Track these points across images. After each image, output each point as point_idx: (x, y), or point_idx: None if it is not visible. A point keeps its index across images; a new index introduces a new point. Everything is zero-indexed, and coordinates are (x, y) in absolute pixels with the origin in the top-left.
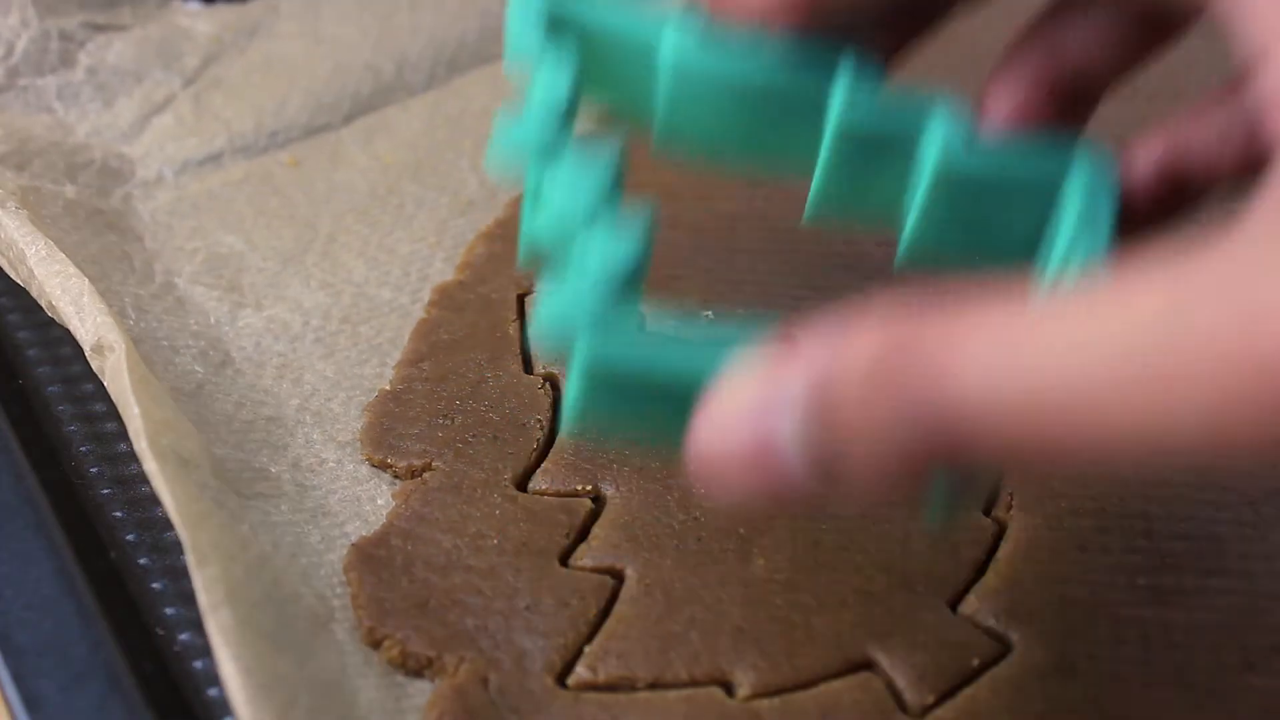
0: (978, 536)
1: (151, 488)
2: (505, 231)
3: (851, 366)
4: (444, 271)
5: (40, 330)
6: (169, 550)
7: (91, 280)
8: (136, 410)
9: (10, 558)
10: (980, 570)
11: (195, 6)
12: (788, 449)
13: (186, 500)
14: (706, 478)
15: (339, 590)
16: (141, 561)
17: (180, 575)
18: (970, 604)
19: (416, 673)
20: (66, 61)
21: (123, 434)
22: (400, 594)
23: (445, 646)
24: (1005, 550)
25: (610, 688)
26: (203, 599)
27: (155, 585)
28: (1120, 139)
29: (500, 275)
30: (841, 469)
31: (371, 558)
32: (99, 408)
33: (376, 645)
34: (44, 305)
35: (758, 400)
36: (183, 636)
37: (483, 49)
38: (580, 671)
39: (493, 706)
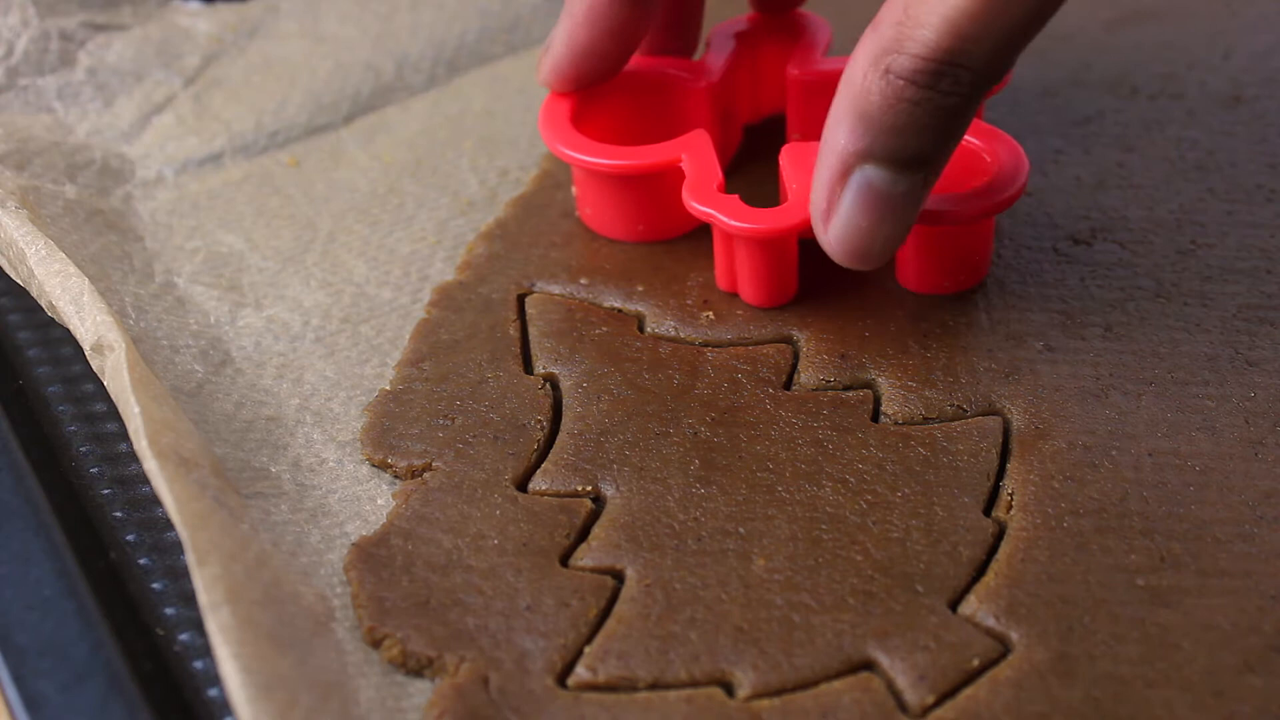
0: (978, 537)
1: (152, 488)
2: (505, 231)
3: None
4: (444, 271)
5: (41, 330)
6: (169, 550)
7: (91, 280)
8: (136, 409)
9: (10, 558)
10: (980, 570)
11: (195, 6)
12: None
13: (186, 499)
14: None
15: (339, 589)
16: (141, 562)
17: (180, 575)
18: (970, 604)
19: (417, 672)
20: (66, 61)
21: (123, 434)
22: (401, 593)
23: (446, 646)
24: (1005, 550)
25: (610, 688)
26: (203, 598)
27: (155, 585)
28: (1121, 143)
29: (500, 275)
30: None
31: (372, 557)
32: (99, 408)
33: (377, 644)
34: (44, 305)
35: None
36: (183, 637)
37: (482, 49)
38: (580, 672)
39: (493, 706)
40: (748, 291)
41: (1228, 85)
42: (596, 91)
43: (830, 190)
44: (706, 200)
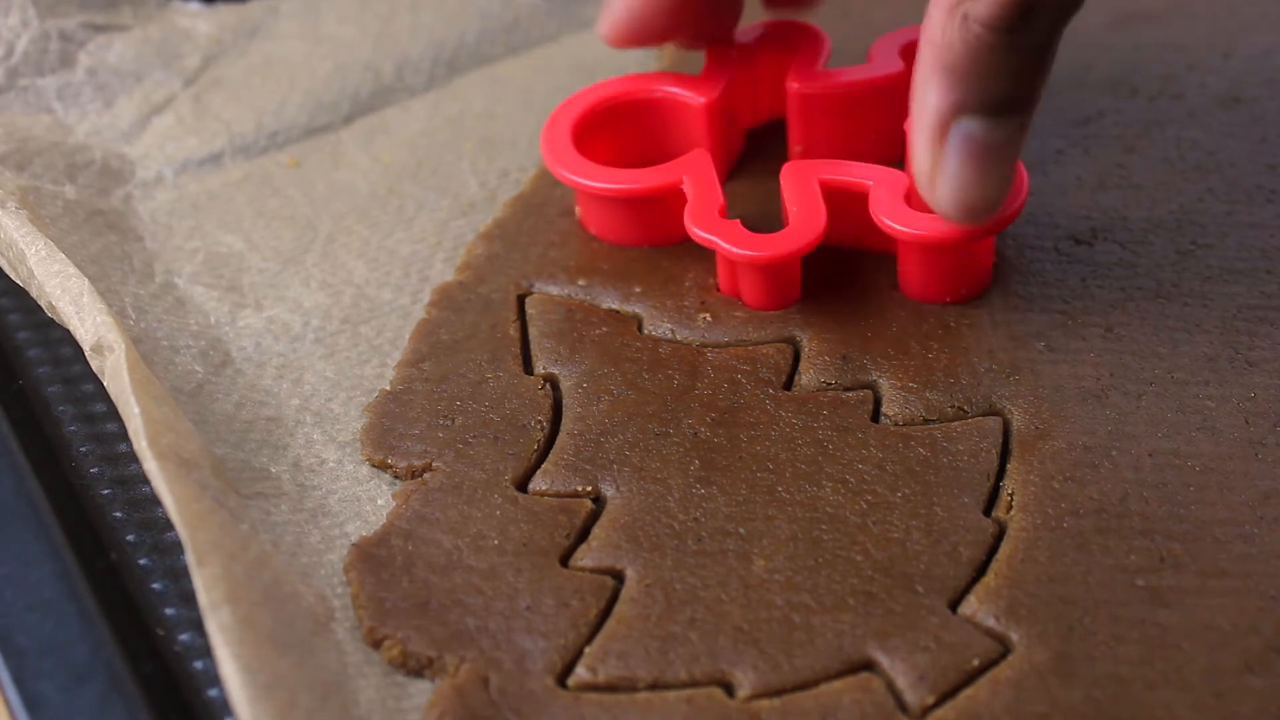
0: (978, 537)
1: (152, 489)
2: (505, 232)
3: None
4: (444, 272)
5: (41, 331)
6: (169, 551)
7: (91, 280)
8: (136, 410)
9: (11, 559)
10: (980, 571)
11: (195, 7)
12: None
13: (186, 499)
14: None
15: (339, 590)
16: (142, 562)
17: (180, 576)
18: (970, 604)
19: (417, 673)
20: (66, 62)
21: (123, 434)
22: (401, 594)
23: (446, 646)
24: (1005, 551)
25: (610, 688)
26: (203, 598)
27: (155, 586)
28: (1122, 143)
29: (500, 275)
30: None
31: (372, 557)
32: (99, 408)
33: (377, 645)
34: (44, 305)
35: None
36: (183, 637)
37: (482, 50)
38: (580, 672)
39: (493, 707)
40: (751, 300)
41: (1228, 86)
42: (597, 109)
43: (931, 151)
44: (709, 227)
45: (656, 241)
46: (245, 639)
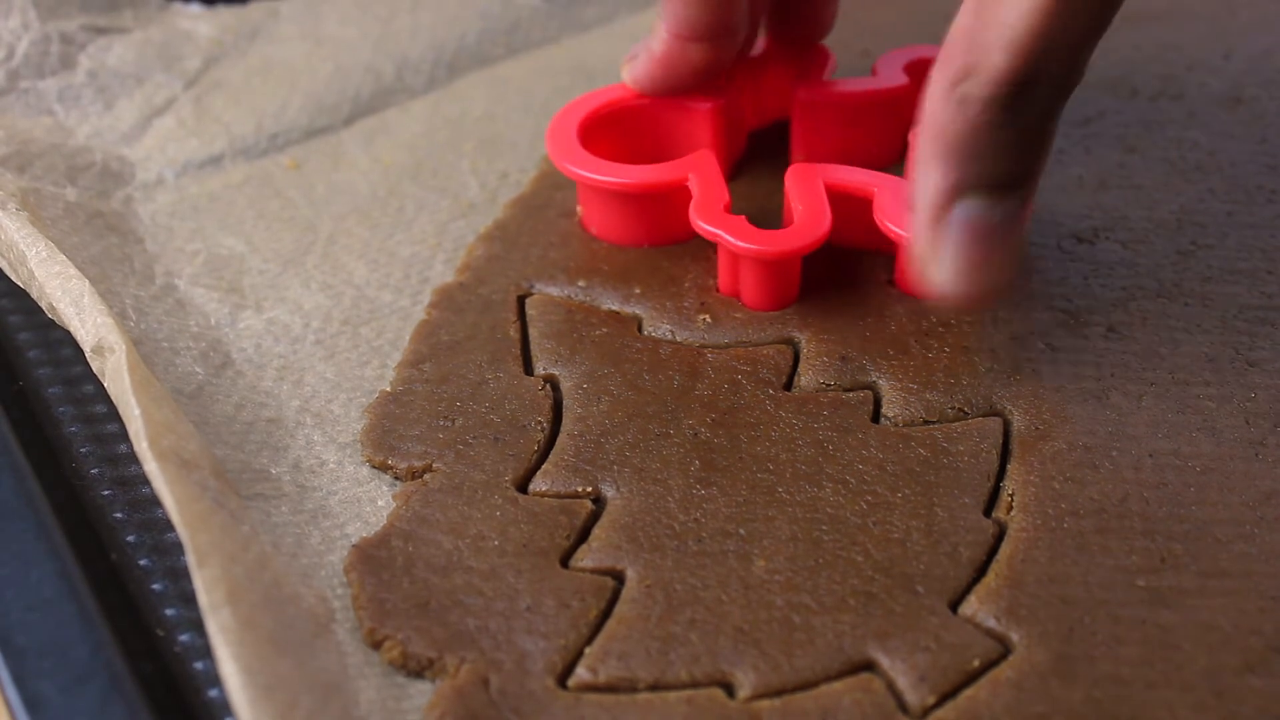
0: (978, 538)
1: (152, 489)
2: (505, 233)
3: None
4: (444, 273)
5: (41, 331)
6: (169, 551)
7: (92, 282)
8: (137, 411)
9: (11, 559)
10: (980, 571)
11: (196, 9)
12: None
13: (187, 501)
14: None
15: (340, 591)
16: (142, 563)
17: (181, 576)
18: (971, 605)
19: (417, 674)
20: (67, 64)
21: (123, 435)
22: (401, 595)
23: (446, 647)
24: (1005, 551)
25: (611, 689)
26: (203, 599)
27: (156, 586)
28: (1122, 143)
29: (500, 277)
30: None
31: (372, 559)
32: (100, 409)
33: (377, 646)
34: (44, 307)
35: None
36: (183, 638)
37: (483, 51)
38: (581, 673)
39: (493, 708)
40: (750, 300)
41: (1228, 86)
42: (604, 111)
43: (932, 232)
44: (714, 221)
45: (657, 241)
46: (246, 640)
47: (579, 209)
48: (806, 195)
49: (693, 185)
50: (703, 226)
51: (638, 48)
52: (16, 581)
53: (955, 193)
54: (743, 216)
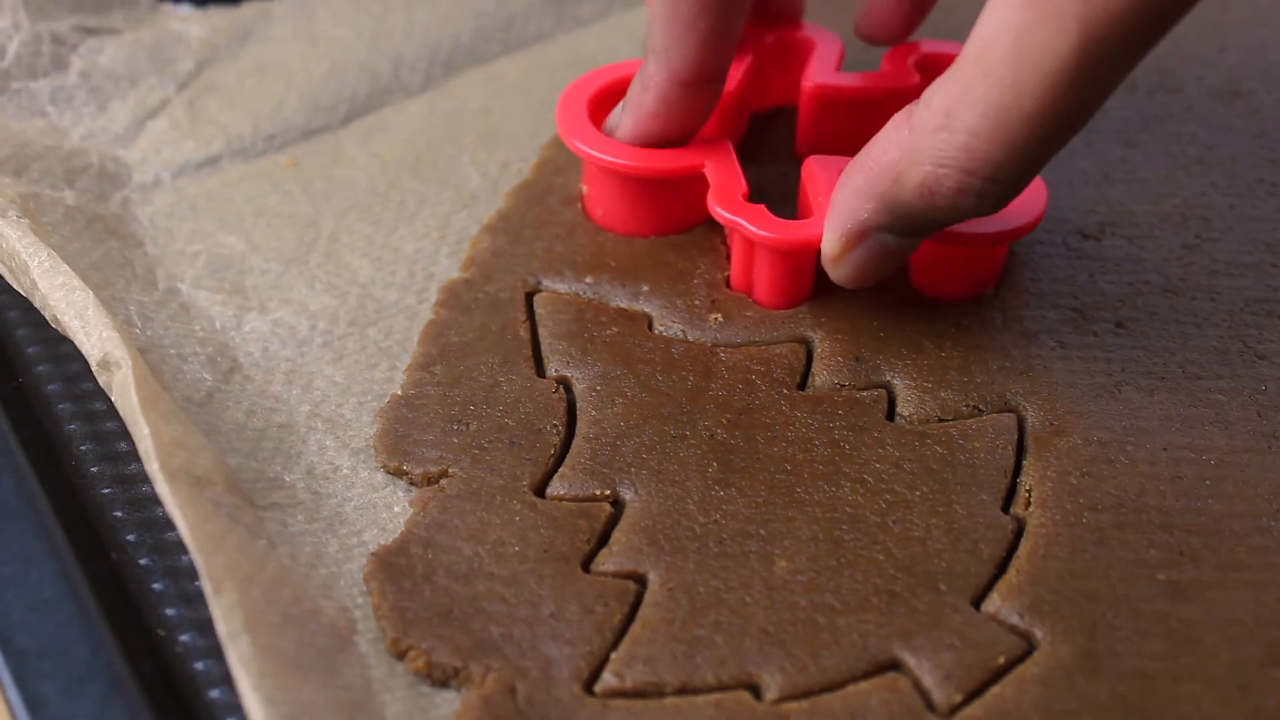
0: (998, 534)
1: (152, 489)
2: (509, 224)
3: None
4: (449, 268)
5: (40, 329)
6: (170, 551)
7: (95, 289)
8: (146, 430)
9: (11, 559)
10: (1001, 568)
11: (187, 10)
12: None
13: (200, 522)
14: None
15: (360, 601)
16: (142, 562)
17: (181, 575)
18: (994, 602)
19: (443, 683)
20: (59, 65)
21: (123, 434)
22: (423, 603)
23: (471, 656)
24: (1025, 547)
25: (638, 694)
26: (221, 628)
27: (156, 586)
28: (1123, 138)
29: (507, 273)
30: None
31: (392, 566)
32: (99, 407)
33: (401, 656)
34: (48, 318)
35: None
36: (184, 638)
37: (478, 49)
38: (607, 678)
39: (521, 716)
40: (763, 295)
41: (1224, 80)
42: (617, 85)
43: (845, 244)
44: (734, 209)
45: (662, 230)
46: (266, 669)
47: (583, 188)
48: (827, 187)
49: (709, 173)
50: (722, 214)
51: (616, 114)
52: (16, 581)
53: (881, 230)
54: (762, 205)
